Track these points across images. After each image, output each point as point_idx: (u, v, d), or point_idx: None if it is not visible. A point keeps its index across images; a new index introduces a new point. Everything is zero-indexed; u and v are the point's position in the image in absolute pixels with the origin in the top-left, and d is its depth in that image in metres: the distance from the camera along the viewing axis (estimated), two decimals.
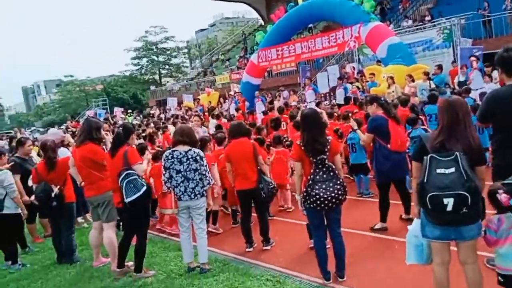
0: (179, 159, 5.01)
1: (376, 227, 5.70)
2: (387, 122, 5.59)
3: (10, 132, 21.61)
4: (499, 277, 3.35)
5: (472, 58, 12.00)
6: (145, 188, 4.89)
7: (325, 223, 4.44)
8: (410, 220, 5.47)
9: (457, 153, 3.06)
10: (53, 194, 5.77)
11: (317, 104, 12.19)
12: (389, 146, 5.54)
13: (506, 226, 3.24)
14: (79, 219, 8.10)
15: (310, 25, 23.85)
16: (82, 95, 49.79)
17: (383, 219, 5.70)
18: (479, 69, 11.39)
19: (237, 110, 14.58)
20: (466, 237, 3.18)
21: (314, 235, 4.51)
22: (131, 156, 5.00)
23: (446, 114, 3.25)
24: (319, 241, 4.44)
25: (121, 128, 5.21)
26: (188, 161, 5.00)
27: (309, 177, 4.31)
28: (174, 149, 5.08)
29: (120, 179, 4.85)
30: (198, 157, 5.01)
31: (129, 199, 4.80)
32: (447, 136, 3.19)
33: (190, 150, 5.02)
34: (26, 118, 66.07)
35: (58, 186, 5.84)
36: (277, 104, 15.35)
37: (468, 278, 3.31)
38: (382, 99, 5.95)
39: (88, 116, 7.62)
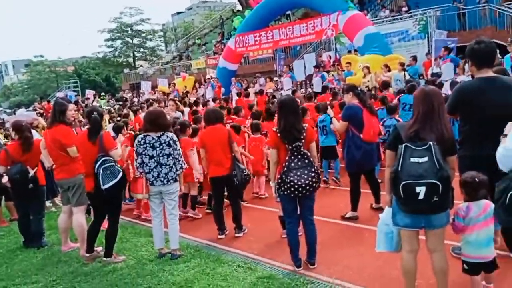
0: (151, 144, 4.91)
1: (347, 215, 5.76)
2: (361, 112, 5.65)
3: None
4: (464, 265, 3.45)
5: (443, 50, 12.15)
6: (121, 174, 4.84)
7: (298, 210, 4.45)
8: (380, 209, 5.58)
9: (431, 143, 3.08)
10: (29, 176, 5.65)
11: (293, 92, 12.18)
12: (361, 135, 5.59)
13: (474, 214, 3.32)
14: (47, 203, 7.88)
15: (289, 12, 23.74)
16: (52, 76, 48.31)
17: (354, 208, 5.77)
18: (452, 60, 11.54)
19: (214, 100, 14.40)
20: (435, 225, 3.23)
21: (287, 222, 4.51)
22: (106, 142, 4.91)
23: (422, 103, 3.26)
24: (292, 228, 4.44)
25: (96, 113, 5.03)
26: (161, 146, 4.90)
27: (284, 164, 4.29)
28: (146, 134, 4.97)
29: (97, 165, 4.75)
30: (171, 141, 4.93)
31: (106, 186, 4.72)
32: (421, 126, 3.20)
33: (163, 134, 4.93)
34: None
35: (35, 169, 5.72)
36: (252, 90, 15.31)
37: (435, 266, 3.37)
38: (359, 89, 5.99)
39: (57, 97, 7.38)
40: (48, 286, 4.71)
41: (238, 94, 14.47)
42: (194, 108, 11.26)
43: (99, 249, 5.29)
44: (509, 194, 2.71)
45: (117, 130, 7.28)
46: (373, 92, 9.98)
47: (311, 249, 4.45)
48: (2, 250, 5.98)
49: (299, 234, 4.54)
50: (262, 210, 6.65)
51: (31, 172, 5.69)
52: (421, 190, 3.02)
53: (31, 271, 5.17)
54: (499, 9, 15.19)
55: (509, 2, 15.44)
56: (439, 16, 16.04)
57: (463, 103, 3.87)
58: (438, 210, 3.16)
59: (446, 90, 9.02)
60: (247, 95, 12.77)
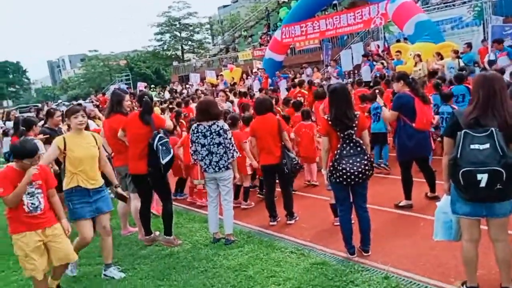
0: (203, 133, 5.08)
1: (401, 204, 5.68)
2: (413, 101, 5.51)
3: (37, 105, 22.06)
4: None
5: (496, 44, 11.36)
6: (172, 151, 5.15)
7: (351, 198, 4.45)
8: (435, 198, 5.48)
9: (493, 129, 3.00)
10: None
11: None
12: (414, 124, 5.46)
13: None
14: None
15: (335, 2, 23.34)
16: (106, 70, 50.24)
17: (408, 196, 5.68)
18: (508, 54, 10.83)
19: (260, 90, 14.42)
20: (498, 214, 3.15)
21: (339, 210, 4.52)
22: (157, 120, 5.17)
23: (482, 88, 3.16)
24: (345, 215, 4.45)
25: (147, 97, 5.26)
26: (211, 135, 5.06)
27: (336, 152, 4.29)
28: (199, 123, 5.14)
29: (155, 142, 4.98)
30: (221, 131, 5.05)
31: (165, 160, 4.97)
32: (482, 112, 3.12)
33: (213, 124, 5.07)
34: (51, 92, 67.19)
35: None
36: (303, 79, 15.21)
37: (498, 256, 3.29)
38: (410, 77, 5.84)
39: (115, 88, 7.70)
40: None
41: (287, 89, 14.14)
42: (244, 98, 11.39)
43: (157, 233, 5.52)
44: None
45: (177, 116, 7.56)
46: (425, 79, 9.63)
47: (365, 237, 4.44)
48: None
49: (352, 222, 4.55)
50: (313, 198, 6.67)
51: None
52: (483, 178, 2.96)
53: (94, 253, 5.46)
54: None
55: None
56: (496, 1, 15.24)
57: None
58: (502, 198, 3.08)
59: (507, 77, 8.60)
60: (301, 84, 12.50)
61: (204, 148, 5.10)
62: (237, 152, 5.21)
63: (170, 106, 12.16)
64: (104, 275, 4.67)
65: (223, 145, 5.08)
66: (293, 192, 6.61)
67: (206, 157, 5.11)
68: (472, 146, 3.03)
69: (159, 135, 5.02)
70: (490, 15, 14.38)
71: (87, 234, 4.42)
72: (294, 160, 5.77)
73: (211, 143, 5.07)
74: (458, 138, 3.12)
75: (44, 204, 3.84)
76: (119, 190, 4.77)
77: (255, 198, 6.95)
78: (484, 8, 14.50)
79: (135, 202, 5.57)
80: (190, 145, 5.26)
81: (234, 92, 13.59)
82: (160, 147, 4.95)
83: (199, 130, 5.12)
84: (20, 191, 3.68)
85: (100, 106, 16.07)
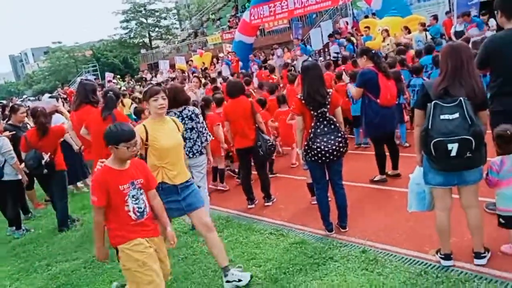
0: None
1: (376, 179, 5.75)
2: (376, 76, 5.47)
3: (2, 102, 21.32)
4: (500, 219, 3.44)
5: (465, 17, 11.46)
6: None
7: (327, 176, 4.47)
8: (397, 176, 5.65)
9: (461, 99, 3.03)
10: (43, 162, 5.74)
11: None
12: (378, 100, 5.46)
13: (508, 167, 3.29)
14: (79, 184, 8.13)
15: None
16: (72, 61, 48.77)
17: (382, 171, 5.74)
18: (478, 25, 10.94)
19: (232, 75, 14.26)
20: (468, 181, 3.22)
21: (316, 188, 4.54)
22: (119, 118, 4.82)
23: (450, 59, 3.18)
24: (321, 193, 4.47)
25: (111, 92, 5.00)
26: (183, 121, 4.93)
27: (310, 131, 4.28)
28: (168, 110, 4.98)
29: None
30: (193, 115, 4.92)
31: None
32: (451, 82, 3.14)
33: (184, 109, 4.93)
34: (15, 87, 65.00)
35: (49, 154, 5.80)
36: (271, 63, 15.14)
37: (470, 222, 3.37)
38: (373, 51, 5.79)
39: (82, 79, 7.42)
40: (88, 261, 4.91)
41: (259, 67, 14.26)
42: (214, 84, 11.27)
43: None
44: None
45: (138, 113, 7.37)
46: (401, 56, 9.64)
47: (342, 213, 4.48)
48: (42, 231, 6.23)
49: (329, 199, 4.57)
50: (290, 179, 6.69)
51: (45, 157, 5.75)
52: (453, 147, 3.00)
53: (70, 249, 5.39)
54: None
55: None
56: None
57: (493, 56, 3.76)
58: (472, 166, 3.14)
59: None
60: (272, 70, 12.49)
61: None
62: (210, 136, 5.13)
63: (140, 96, 11.91)
64: (227, 281, 3.75)
65: (196, 129, 4.97)
66: (273, 175, 6.64)
67: None
68: (442, 117, 3.06)
69: None
70: None
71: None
72: (268, 141, 5.74)
73: (183, 129, 4.96)
74: (428, 109, 3.14)
75: (148, 207, 3.16)
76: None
77: (233, 182, 6.92)
78: None
79: None
80: None
81: (206, 77, 13.42)
82: None
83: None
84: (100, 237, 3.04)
85: (68, 99, 15.62)
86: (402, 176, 5.57)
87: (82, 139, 5.42)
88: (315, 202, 4.70)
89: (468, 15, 11.01)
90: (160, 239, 3.24)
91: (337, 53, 14.09)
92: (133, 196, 3.01)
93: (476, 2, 12.39)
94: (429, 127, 3.07)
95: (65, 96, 17.11)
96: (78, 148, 6.23)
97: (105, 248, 3.08)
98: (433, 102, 3.12)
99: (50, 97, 8.94)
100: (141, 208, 3.05)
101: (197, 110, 5.02)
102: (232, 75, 14.09)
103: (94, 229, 3.04)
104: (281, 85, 10.78)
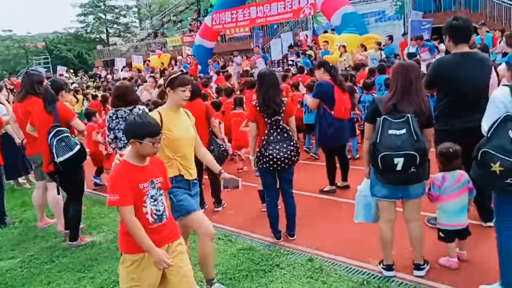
0: (124, 118, 4.80)
1: (326, 189, 5.87)
2: (332, 89, 5.62)
3: None
4: (440, 233, 3.60)
5: (418, 40, 11.93)
6: (78, 147, 4.55)
7: (278, 184, 4.50)
8: (346, 188, 5.80)
9: (409, 115, 3.16)
10: None
11: None
12: (332, 112, 5.60)
13: (449, 183, 3.46)
14: (21, 180, 7.73)
15: None
16: (22, 52, 46.58)
17: (331, 182, 5.87)
18: (430, 49, 11.45)
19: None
20: (412, 195, 3.35)
21: (266, 195, 4.56)
22: (64, 112, 4.63)
23: (400, 77, 3.33)
24: (271, 201, 4.49)
25: (49, 83, 4.75)
26: None
27: (263, 138, 4.31)
28: (117, 108, 4.84)
29: (50, 136, 4.46)
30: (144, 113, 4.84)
31: (60, 159, 4.45)
32: (399, 99, 3.27)
33: (134, 107, 4.81)
34: None
35: None
36: (230, 69, 15.18)
37: (411, 235, 3.51)
38: (330, 65, 5.95)
39: (29, 69, 7.10)
40: (26, 261, 4.66)
41: (217, 73, 14.31)
42: None
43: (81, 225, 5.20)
44: (480, 151, 2.82)
45: (89, 115, 7.12)
46: (351, 72, 9.95)
47: (291, 222, 4.53)
48: None
49: (278, 207, 4.61)
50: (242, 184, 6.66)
51: None
52: (399, 161, 3.11)
53: (6, 247, 5.10)
54: None
55: None
56: None
57: (440, 77, 3.96)
58: (415, 181, 3.27)
59: (423, 69, 9.15)
60: (228, 77, 12.54)
61: None
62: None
63: (93, 93, 11.57)
64: None
65: None
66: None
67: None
68: (390, 132, 3.17)
69: (57, 128, 4.50)
70: (410, 10, 15.25)
71: (210, 228, 3.48)
72: (221, 146, 5.71)
73: None
74: (377, 123, 3.26)
75: (168, 210, 2.80)
76: (226, 175, 3.72)
77: None
78: (405, 3, 15.32)
79: (53, 192, 5.21)
80: (107, 133, 4.93)
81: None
82: (55, 143, 4.43)
83: (119, 116, 4.82)
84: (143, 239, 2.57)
85: (15, 90, 14.89)
86: (351, 188, 5.71)
87: (26, 133, 5.17)
88: (265, 209, 4.73)
89: (421, 39, 11.58)
90: (180, 243, 2.83)
91: (292, 61, 14.43)
92: (151, 197, 2.67)
93: (429, 27, 13.04)
94: (377, 141, 3.18)
95: (12, 87, 16.32)
96: (20, 142, 5.91)
97: (160, 249, 2.61)
98: (382, 117, 3.23)
99: None
100: (159, 210, 2.70)
101: (147, 109, 4.93)
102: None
103: (134, 230, 2.55)
104: (237, 92, 10.81)
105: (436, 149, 3.65)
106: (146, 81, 12.81)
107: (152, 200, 2.67)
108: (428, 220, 4.36)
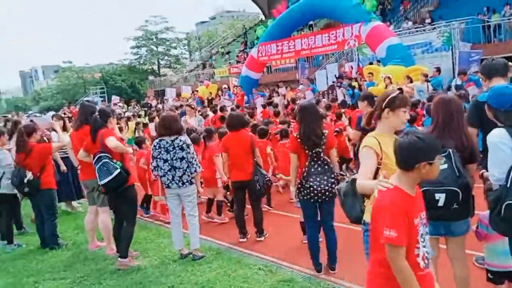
0: (165, 148, 5.08)
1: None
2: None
3: (6, 116, 21.54)
4: (488, 274, 3.47)
5: (461, 76, 11.67)
6: (118, 171, 4.84)
7: (319, 216, 4.53)
8: None
9: (450, 150, 3.15)
10: (25, 180, 5.69)
11: (317, 102, 12.14)
12: None
13: None
14: (75, 203, 8.15)
15: (311, 22, 23.89)
16: (80, 82, 49.47)
17: None
18: (475, 83, 11.07)
19: (238, 107, 14.45)
20: (455, 233, 3.28)
21: (307, 227, 4.59)
22: (104, 135, 4.99)
23: (441, 111, 3.33)
24: (312, 232, 4.52)
25: (97, 113, 5.21)
26: (174, 150, 5.07)
27: (304, 169, 4.39)
28: (161, 138, 5.14)
29: (94, 162, 4.92)
30: (184, 145, 5.08)
31: (103, 181, 4.85)
32: (440, 133, 3.27)
33: (176, 138, 5.08)
34: (23, 103, 65.53)
35: (31, 172, 5.72)
36: (276, 100, 15.41)
37: (455, 274, 3.40)
38: (374, 98, 5.94)
39: (83, 100, 7.62)
40: (76, 282, 4.91)
41: (263, 106, 14.43)
42: (220, 113, 11.48)
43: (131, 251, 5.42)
44: (504, 205, 2.75)
45: (140, 143, 7.49)
46: None
47: (332, 255, 4.51)
48: (33, 247, 6.22)
49: (320, 240, 4.62)
50: (284, 215, 6.72)
51: (28, 175, 5.69)
52: (441, 197, 3.08)
53: (59, 268, 5.38)
54: None
55: None
56: (463, 29, 15.93)
57: (480, 113, 3.89)
58: (458, 218, 3.21)
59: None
60: (275, 107, 12.78)
61: (167, 163, 5.09)
62: (199, 167, 5.24)
63: (144, 121, 12.10)
64: None
65: (186, 159, 5.09)
66: (269, 209, 6.73)
67: (169, 172, 5.10)
68: None
69: (99, 155, 4.90)
70: (458, 41, 14.99)
71: None
72: (266, 176, 5.84)
73: (174, 158, 5.08)
74: None
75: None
76: None
77: (227, 214, 6.96)
78: (452, 34, 15.11)
79: (103, 216, 5.51)
80: (151, 161, 5.24)
81: (211, 107, 13.62)
82: (97, 168, 4.85)
83: (161, 145, 5.11)
84: None
85: (73, 118, 15.83)
86: None
87: (79, 159, 5.53)
88: (306, 241, 4.75)
89: (464, 73, 11.26)
90: None
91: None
92: (421, 235, 2.23)
93: (478, 59, 12.76)
94: None
95: (70, 115, 17.33)
96: (76, 166, 6.31)
97: None
98: None
99: (53, 115, 9.09)
100: (429, 253, 2.28)
101: (189, 141, 5.18)
102: (237, 107, 14.29)
103: (405, 279, 2.12)
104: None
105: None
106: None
107: (422, 239, 2.24)
108: (477, 259, 4.22)
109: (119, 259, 5.14)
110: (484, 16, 16.20)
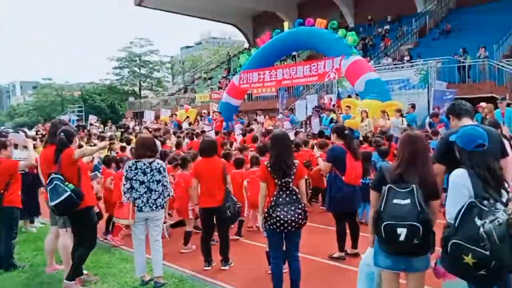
0: (142, 170, 4.99)
1: (335, 255, 5.74)
2: (345, 154, 5.65)
3: None
4: None
5: (433, 118, 11.95)
6: (67, 194, 4.66)
7: (284, 246, 4.45)
8: (356, 255, 5.62)
9: (414, 186, 3.16)
10: None
11: (295, 134, 12.13)
12: (343, 177, 5.62)
13: None
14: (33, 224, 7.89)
15: (295, 53, 24.31)
16: (59, 99, 48.92)
17: (341, 248, 5.75)
18: (446, 125, 11.33)
19: (216, 133, 14.36)
20: (415, 268, 3.25)
21: (272, 257, 4.51)
22: (64, 160, 4.84)
23: (406, 147, 3.36)
24: (276, 263, 4.44)
25: (62, 134, 5.00)
26: (152, 172, 5.00)
27: (272, 199, 4.34)
28: (138, 159, 5.05)
29: (47, 183, 4.79)
30: (161, 168, 5.05)
31: (51, 203, 4.70)
32: (405, 169, 3.28)
33: (154, 161, 5.04)
34: None
35: None
36: (255, 127, 15.43)
37: None
38: (347, 132, 5.96)
39: (57, 118, 7.49)
40: None
41: (243, 134, 14.33)
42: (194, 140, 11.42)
43: (87, 272, 5.23)
44: (449, 243, 2.80)
45: (107, 163, 7.34)
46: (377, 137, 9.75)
47: (295, 286, 4.42)
48: None
49: (284, 271, 4.53)
50: (251, 244, 6.61)
51: None
52: (402, 232, 3.06)
53: None
54: (499, 65, 15.59)
55: (509, 59, 15.87)
56: (440, 68, 16.43)
57: (447, 151, 3.94)
58: (419, 253, 3.19)
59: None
60: (250, 131, 12.78)
61: (143, 185, 4.99)
62: (172, 191, 5.17)
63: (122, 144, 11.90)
64: None
65: (162, 182, 5.03)
66: (239, 238, 6.65)
67: (144, 195, 5.00)
68: (395, 201, 3.16)
69: (52, 176, 4.75)
70: (435, 80, 15.42)
71: None
72: (236, 203, 5.75)
73: (151, 180, 4.99)
74: (383, 192, 3.25)
75: None
76: None
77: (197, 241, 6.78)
78: (429, 72, 15.55)
79: (64, 238, 5.31)
80: (124, 183, 5.09)
81: (188, 133, 13.51)
82: (49, 189, 4.70)
83: (138, 167, 5.02)
84: None
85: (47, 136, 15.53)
86: (360, 256, 5.56)
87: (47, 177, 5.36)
88: (271, 271, 4.65)
89: (436, 116, 11.58)
90: None
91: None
92: None
93: (451, 98, 13.12)
94: (381, 209, 3.16)
95: (44, 132, 17.02)
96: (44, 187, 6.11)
97: None
98: (387, 186, 3.23)
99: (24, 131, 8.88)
100: None
101: (164, 165, 5.13)
102: (216, 134, 14.21)
103: None
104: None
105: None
106: (169, 133, 13.18)
107: None
108: None
109: (64, 280, 4.92)
110: (460, 57, 16.75)
